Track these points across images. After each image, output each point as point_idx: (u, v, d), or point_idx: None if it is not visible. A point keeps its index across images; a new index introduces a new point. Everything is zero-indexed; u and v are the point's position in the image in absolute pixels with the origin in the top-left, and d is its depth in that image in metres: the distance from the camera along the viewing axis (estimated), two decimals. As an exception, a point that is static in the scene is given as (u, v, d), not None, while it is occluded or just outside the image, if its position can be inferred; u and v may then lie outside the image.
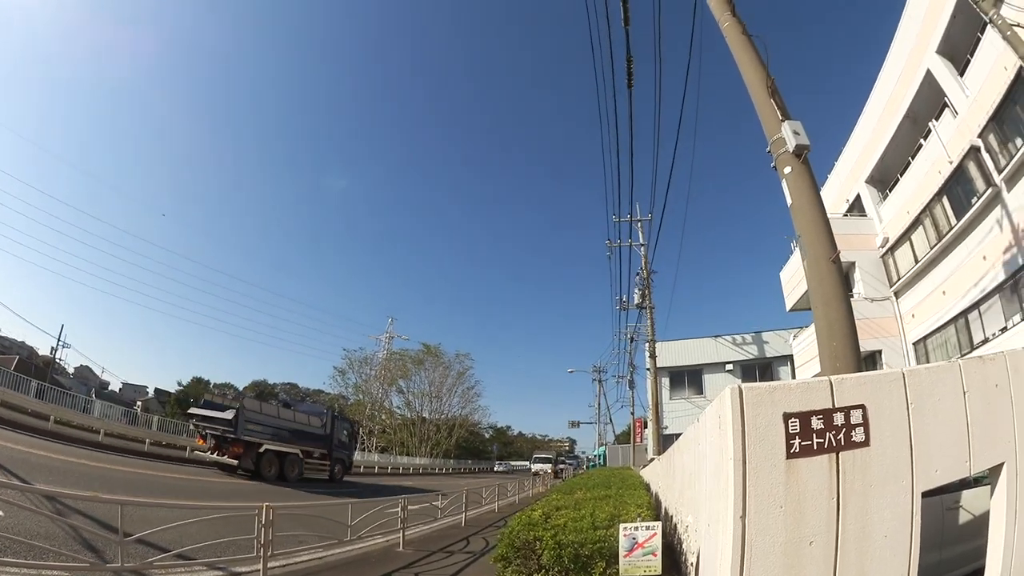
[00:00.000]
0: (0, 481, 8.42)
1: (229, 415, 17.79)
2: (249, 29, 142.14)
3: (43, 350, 56.12)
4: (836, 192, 21.78)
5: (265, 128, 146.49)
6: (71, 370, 66.52)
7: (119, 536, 4.97)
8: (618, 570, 4.62)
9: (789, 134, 6.50)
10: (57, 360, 52.53)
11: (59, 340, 50.01)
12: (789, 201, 6.51)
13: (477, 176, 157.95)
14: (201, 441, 19.31)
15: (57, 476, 10.99)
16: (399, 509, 9.64)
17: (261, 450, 18.20)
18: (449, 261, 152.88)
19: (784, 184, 6.60)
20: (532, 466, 47.65)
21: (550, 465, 47.36)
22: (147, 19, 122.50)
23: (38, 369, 43.26)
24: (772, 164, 6.92)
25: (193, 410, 20.48)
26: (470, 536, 11.12)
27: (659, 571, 4.55)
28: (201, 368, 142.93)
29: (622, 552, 4.60)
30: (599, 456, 39.98)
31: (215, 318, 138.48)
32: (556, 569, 5.08)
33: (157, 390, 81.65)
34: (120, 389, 76.79)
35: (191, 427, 23.87)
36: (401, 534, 9.50)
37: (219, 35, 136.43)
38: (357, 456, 32.12)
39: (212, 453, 18.18)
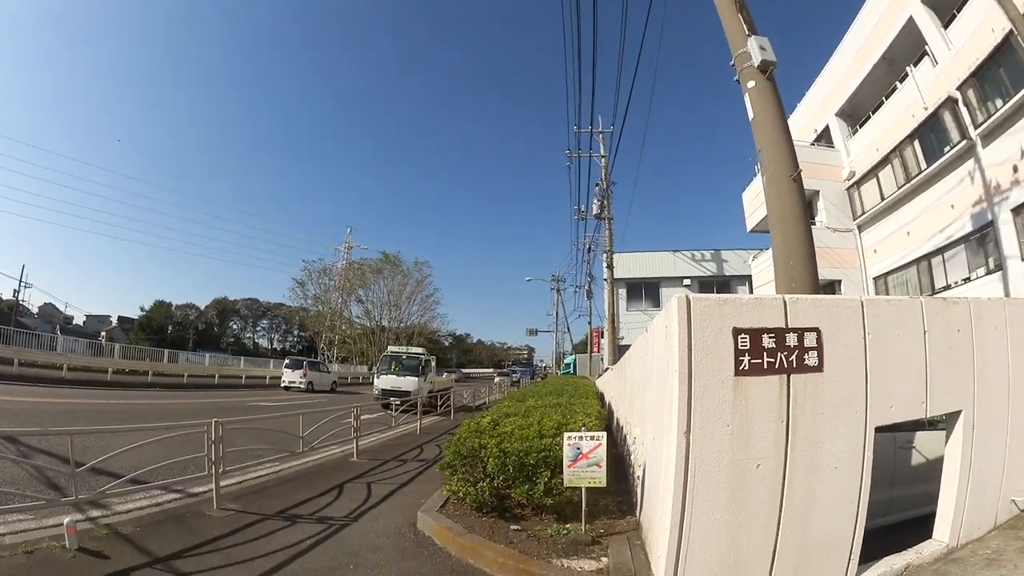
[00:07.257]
0: None
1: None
2: None
3: (7, 294, 56.05)
4: (805, 121, 21.68)
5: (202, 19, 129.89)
6: (35, 310, 65.99)
7: (71, 467, 4.88)
8: (563, 480, 4.61)
9: (755, 49, 6.23)
10: (21, 302, 51.75)
11: (20, 281, 49.04)
12: (751, 115, 6.30)
13: (436, 87, 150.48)
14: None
15: (22, 418, 10.75)
16: (352, 419, 9.55)
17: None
18: (407, 173, 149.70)
19: (747, 98, 6.39)
20: (513, 376, 50.64)
21: (519, 374, 51.72)
22: None
23: (2, 314, 43.28)
24: (735, 78, 6.63)
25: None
26: (424, 444, 11.39)
27: (603, 483, 4.53)
28: (162, 291, 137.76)
29: (566, 462, 4.60)
30: (571, 364, 41.44)
31: (171, 238, 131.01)
32: (501, 477, 5.09)
33: (120, 318, 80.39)
34: (84, 322, 75.63)
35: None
36: (355, 444, 9.49)
37: None
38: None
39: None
